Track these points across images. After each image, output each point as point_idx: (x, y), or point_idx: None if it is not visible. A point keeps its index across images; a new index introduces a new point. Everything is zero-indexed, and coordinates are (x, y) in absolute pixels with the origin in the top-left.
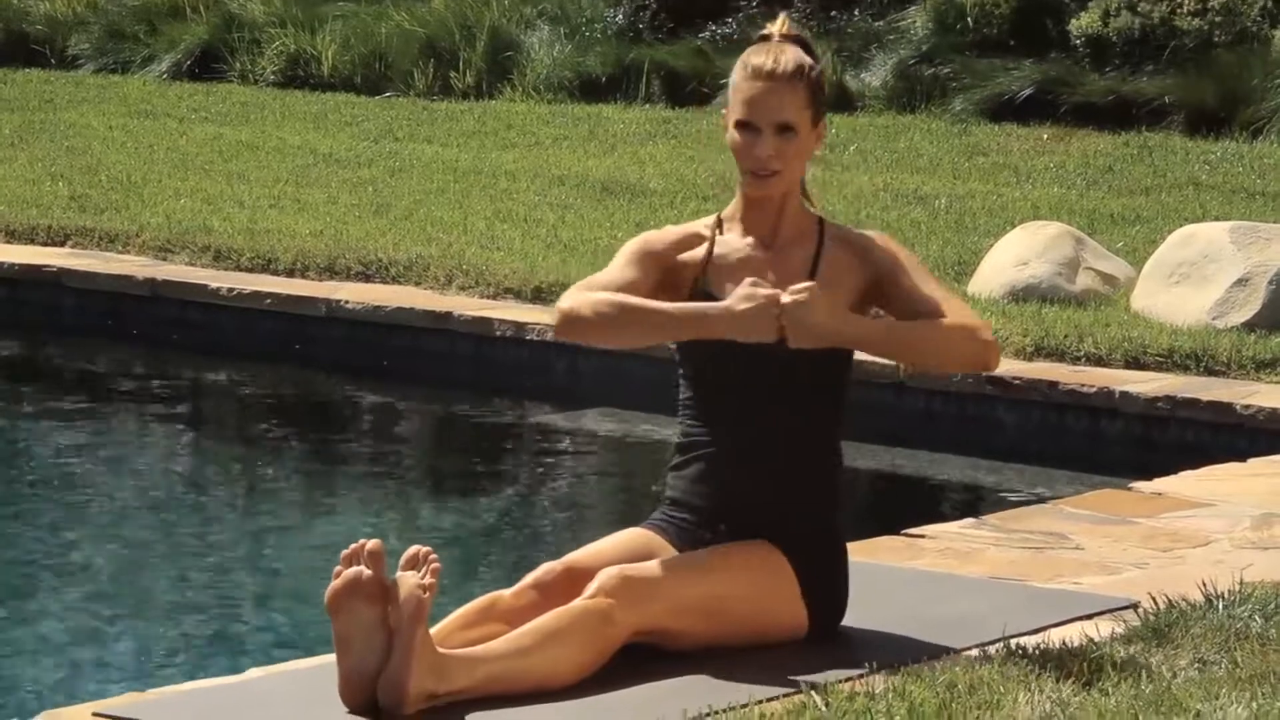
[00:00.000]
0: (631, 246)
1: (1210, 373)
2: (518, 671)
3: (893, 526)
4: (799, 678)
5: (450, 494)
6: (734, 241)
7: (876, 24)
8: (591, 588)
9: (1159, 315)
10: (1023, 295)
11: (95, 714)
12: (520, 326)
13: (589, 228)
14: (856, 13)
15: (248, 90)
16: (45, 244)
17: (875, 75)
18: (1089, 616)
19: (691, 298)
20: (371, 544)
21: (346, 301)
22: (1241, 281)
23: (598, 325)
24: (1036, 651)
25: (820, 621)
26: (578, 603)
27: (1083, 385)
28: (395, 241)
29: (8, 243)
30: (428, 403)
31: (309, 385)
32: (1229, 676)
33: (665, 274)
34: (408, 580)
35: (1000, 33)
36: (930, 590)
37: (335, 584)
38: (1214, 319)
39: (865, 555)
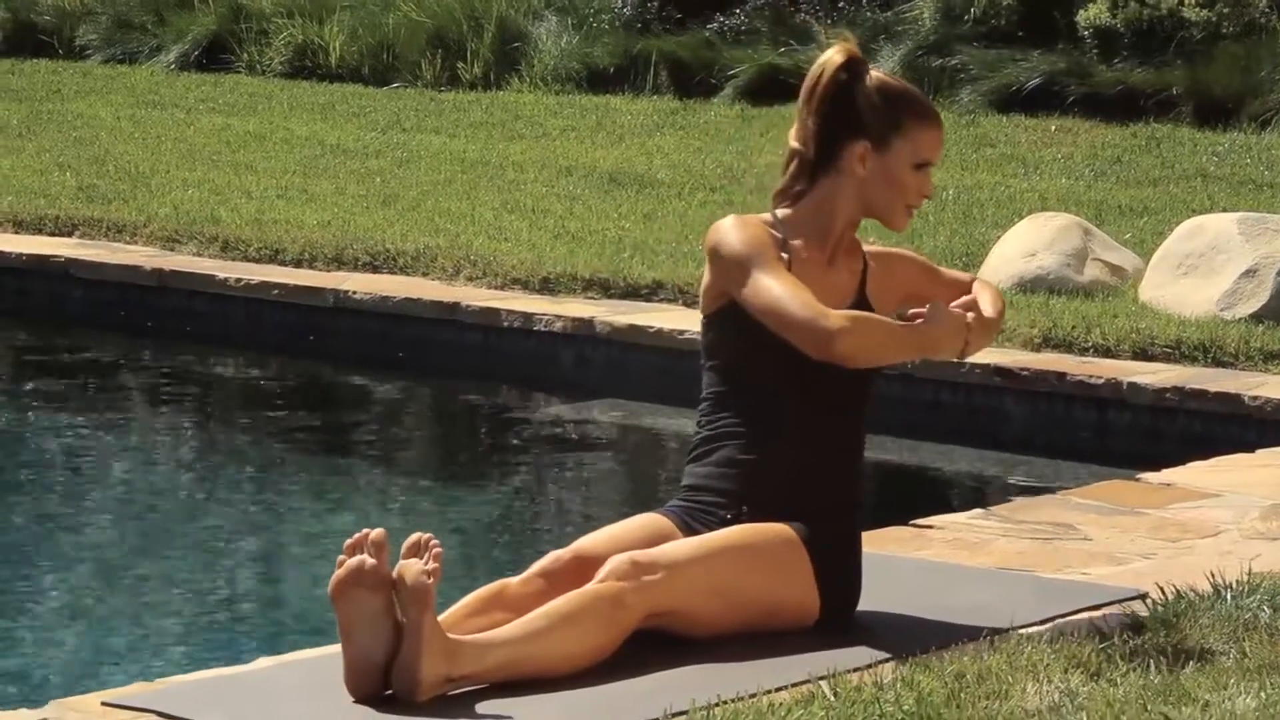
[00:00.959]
0: (767, 247)
1: (1218, 364)
2: (530, 655)
3: (901, 517)
4: (808, 667)
5: (457, 484)
6: (800, 250)
7: (884, 15)
8: (603, 572)
9: (1167, 306)
10: (1031, 286)
11: (104, 703)
12: (528, 317)
13: (597, 219)
14: (864, 4)
15: (255, 81)
16: (53, 234)
17: (883, 67)
18: (1097, 607)
19: None
20: (375, 533)
21: (354, 292)
22: (1249, 273)
23: (870, 344)
24: (1045, 642)
25: (831, 609)
26: (590, 587)
27: (1091, 376)
28: (403, 232)
29: (15, 233)
30: (435, 393)
31: (316, 376)
32: (1237, 667)
33: None
34: (412, 567)
35: (1008, 24)
36: (938, 581)
37: (339, 573)
38: (1222, 310)
39: (874, 545)
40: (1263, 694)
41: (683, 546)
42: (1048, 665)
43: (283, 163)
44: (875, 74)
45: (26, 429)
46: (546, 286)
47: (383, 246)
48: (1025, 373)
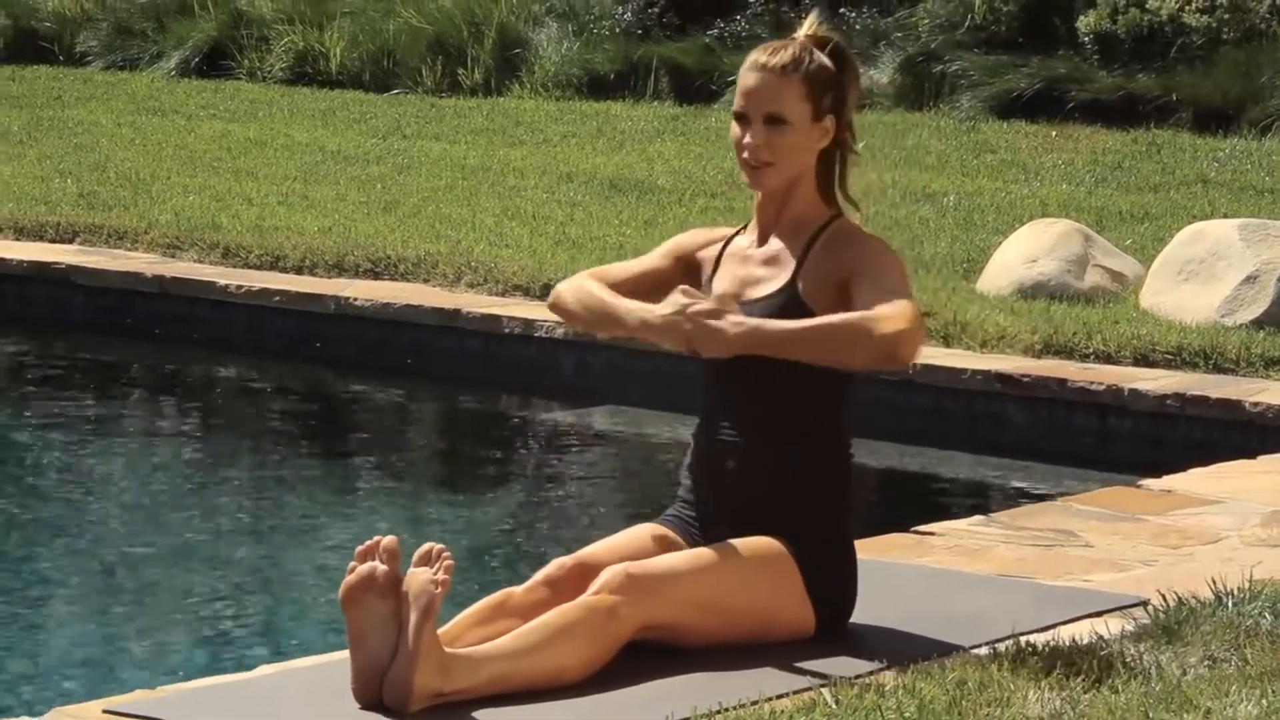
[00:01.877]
0: (672, 242)
1: (1219, 370)
2: (524, 669)
3: (902, 524)
4: (809, 675)
5: (459, 491)
6: (744, 239)
7: (884, 21)
8: (597, 584)
9: (1168, 313)
10: (1031, 293)
11: (106, 711)
12: (529, 324)
13: (597, 225)
14: (864, 9)
15: (256, 87)
16: (54, 241)
17: (883, 72)
18: (1098, 614)
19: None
20: (387, 540)
21: (355, 299)
22: (1250, 279)
23: (574, 311)
24: (1046, 649)
25: (826, 619)
26: (582, 599)
27: (1091, 383)
28: (404, 239)
29: (16, 240)
30: (437, 400)
31: (318, 382)
32: (1239, 674)
33: (688, 268)
34: (420, 576)
35: (1008, 30)
36: (939, 588)
37: (350, 579)
38: (1223, 316)
39: (874, 552)
40: (1264, 701)
41: (677, 559)
42: (1049, 673)
43: (283, 169)
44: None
45: (27, 436)
46: (547, 293)
47: (384, 253)
48: (1026, 379)
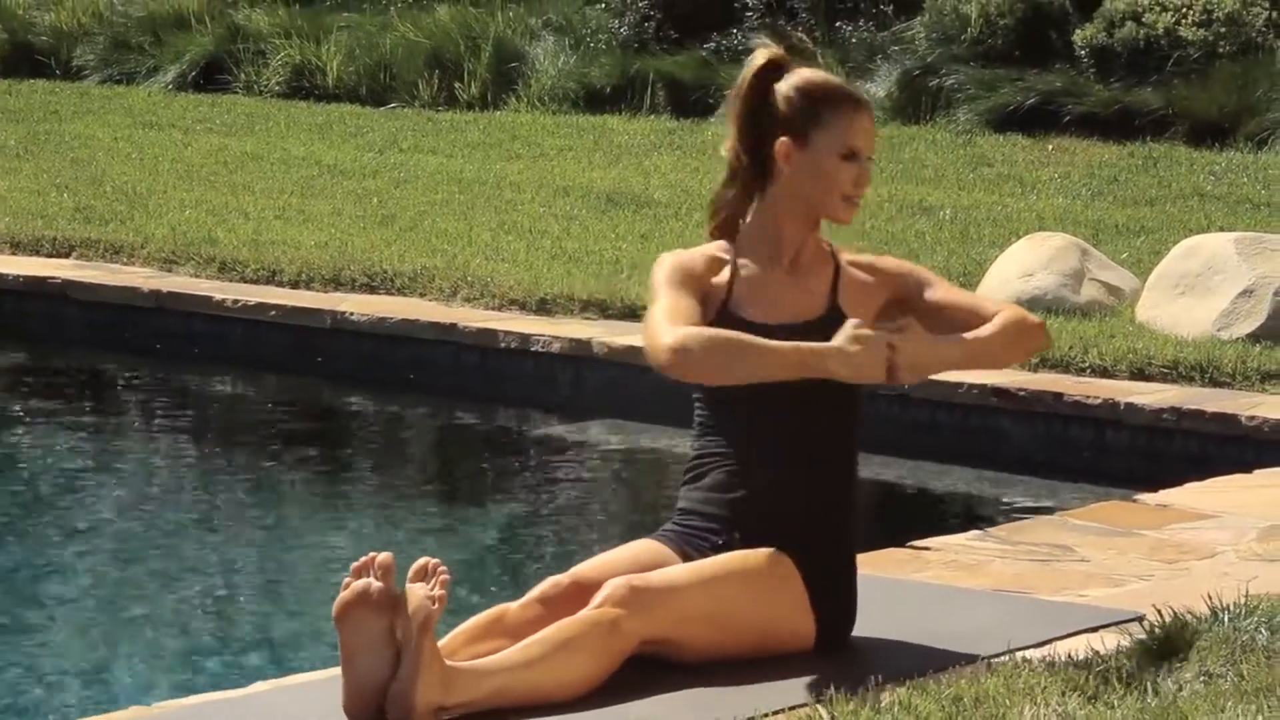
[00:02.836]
0: (674, 271)
1: (1215, 384)
2: (525, 683)
3: (898, 538)
4: (805, 690)
5: (455, 506)
6: (752, 266)
7: (881, 35)
8: (598, 598)
9: (1164, 326)
10: (1028, 306)
11: None
12: (525, 338)
13: (594, 239)
14: (861, 23)
15: (252, 101)
16: (50, 255)
17: (880, 86)
18: (1094, 629)
19: (719, 321)
20: (382, 556)
21: (351, 313)
22: (1246, 293)
23: (711, 362)
24: (1042, 664)
25: (828, 632)
26: (585, 613)
27: (1088, 397)
28: (400, 253)
29: (13, 254)
30: (433, 414)
31: (314, 397)
32: (1235, 689)
33: (702, 297)
34: (417, 592)
35: (1004, 43)
36: (935, 603)
37: (344, 595)
38: (1219, 330)
39: (870, 567)
40: (1260, 716)
41: (678, 573)
42: (1045, 688)
43: (280, 183)
44: (801, 71)
45: (23, 451)
46: (544, 307)
47: (380, 267)
48: (1022, 393)
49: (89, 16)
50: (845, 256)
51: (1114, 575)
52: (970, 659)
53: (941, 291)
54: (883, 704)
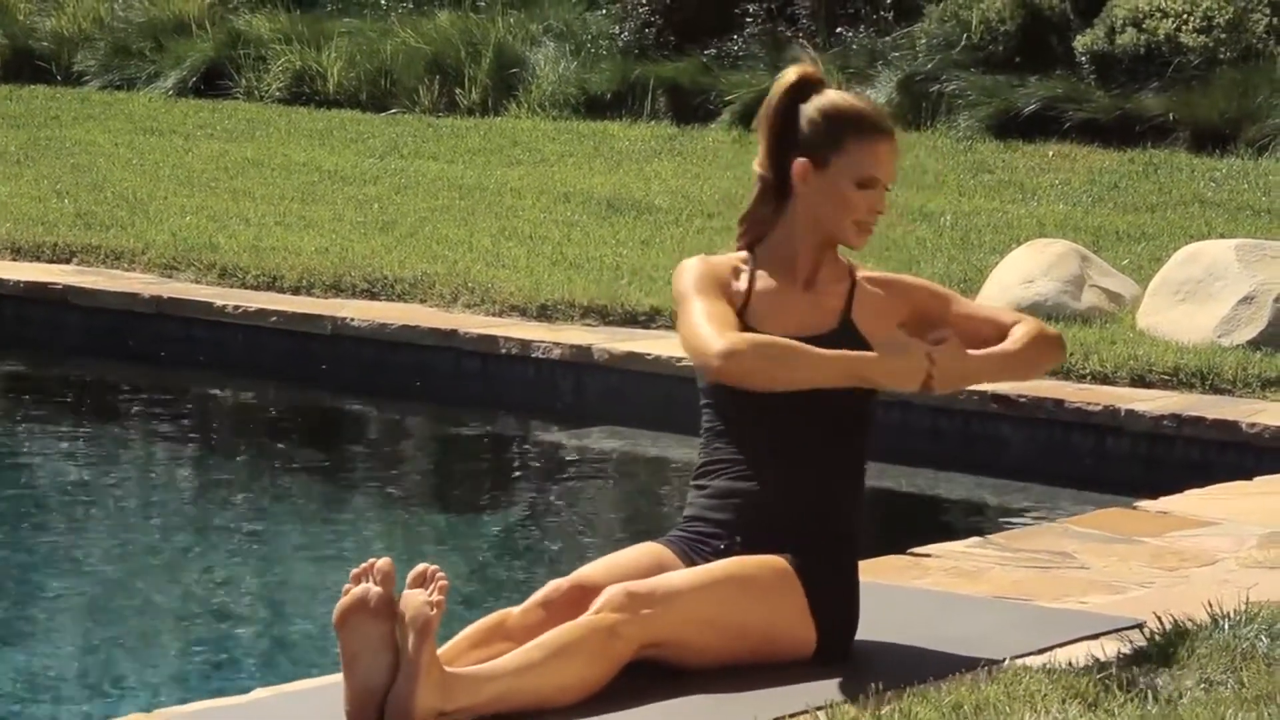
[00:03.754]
0: (703, 277)
1: (1216, 391)
2: (524, 688)
3: (898, 545)
4: (805, 697)
5: (456, 512)
6: (769, 279)
7: (882, 41)
8: (598, 603)
9: (1164, 333)
10: (1028, 313)
11: None
12: (526, 344)
13: (594, 245)
14: (862, 29)
15: (253, 107)
16: (51, 261)
17: (880, 92)
18: (1095, 636)
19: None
20: (381, 562)
21: (352, 319)
22: (1247, 299)
23: (762, 367)
24: (1042, 672)
25: (829, 640)
26: (584, 618)
27: (1088, 403)
28: (401, 259)
29: (13, 260)
30: (433, 421)
31: (314, 403)
32: (1235, 697)
33: (730, 302)
34: (415, 598)
35: (1005, 50)
36: (936, 610)
37: (344, 601)
38: (1219, 337)
39: (870, 574)
40: None
41: (678, 578)
42: (1045, 695)
43: (280, 189)
44: (830, 93)
45: (23, 457)
46: (544, 313)
47: (380, 273)
48: (1022, 399)
49: (90, 22)
50: (861, 273)
51: (1114, 582)
52: (970, 666)
53: (960, 306)
54: (883, 711)
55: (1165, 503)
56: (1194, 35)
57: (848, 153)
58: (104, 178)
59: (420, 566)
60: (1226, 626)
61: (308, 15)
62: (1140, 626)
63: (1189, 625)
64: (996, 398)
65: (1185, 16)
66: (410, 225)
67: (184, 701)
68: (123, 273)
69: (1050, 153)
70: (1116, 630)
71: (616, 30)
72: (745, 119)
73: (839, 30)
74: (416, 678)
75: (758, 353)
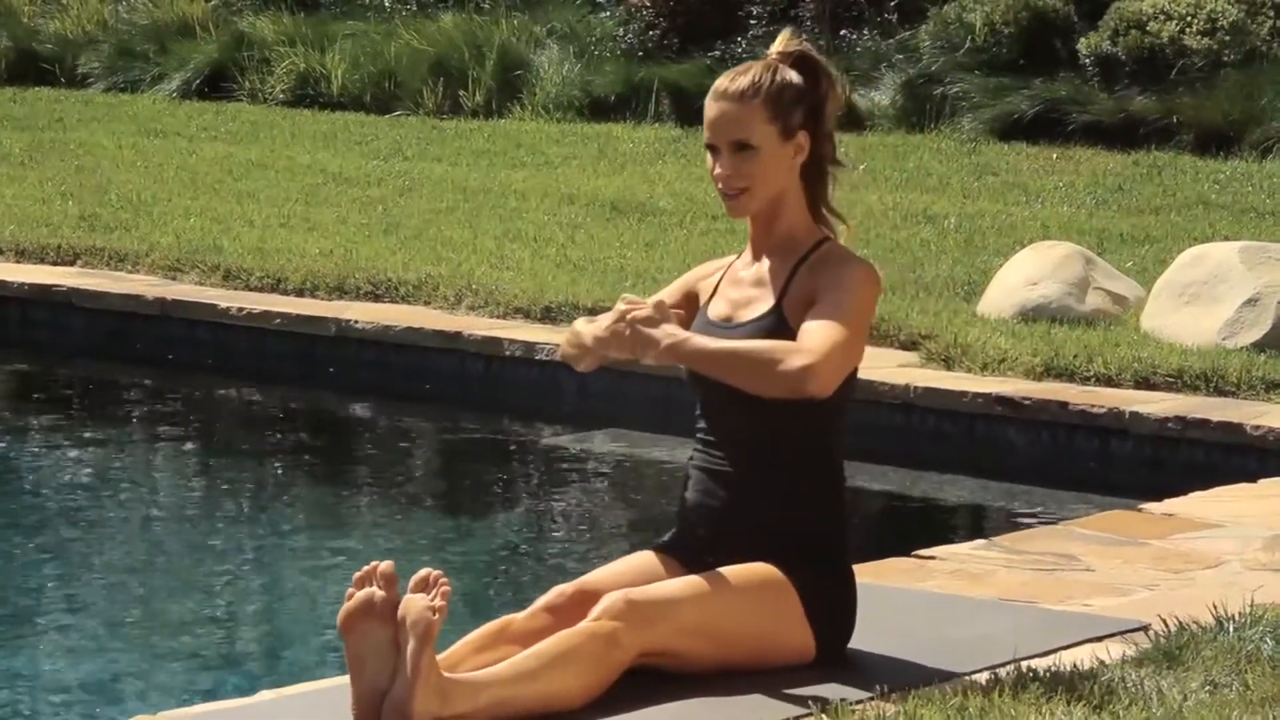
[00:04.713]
0: (683, 278)
1: (1220, 393)
2: (523, 695)
3: (903, 548)
4: (808, 700)
5: (460, 515)
6: (740, 263)
7: (886, 43)
8: (597, 610)
9: (1169, 335)
10: (1032, 315)
11: None
12: (530, 346)
13: (599, 247)
14: (866, 32)
15: (257, 109)
16: (55, 263)
17: (884, 94)
18: (1100, 639)
19: (696, 319)
20: (384, 566)
21: (356, 321)
22: (1251, 301)
23: (566, 353)
24: (1047, 674)
25: (826, 645)
26: (582, 625)
27: (1092, 406)
28: (405, 261)
29: (18, 262)
30: (437, 423)
31: (319, 405)
32: (1240, 699)
33: (690, 299)
34: (417, 602)
35: (1009, 52)
36: (940, 612)
37: (348, 605)
38: (1224, 339)
39: (875, 577)
40: None
41: (675, 586)
42: (1050, 698)
43: (285, 191)
44: None
45: (27, 459)
46: (548, 315)
47: (384, 275)
48: (1027, 402)
49: (94, 24)
50: (830, 250)
51: (1119, 585)
52: (975, 669)
53: (815, 309)
54: (887, 714)
55: (1170, 505)
56: (1198, 38)
57: None
58: (108, 180)
59: (423, 571)
60: (1231, 629)
61: (312, 17)
62: (1145, 629)
63: (1194, 628)
64: (1001, 400)
65: (1189, 19)
66: (414, 227)
67: (187, 703)
68: (127, 275)
69: (1054, 155)
70: (1121, 633)
71: (621, 32)
72: None
73: (843, 32)
74: (414, 683)
75: (564, 342)
